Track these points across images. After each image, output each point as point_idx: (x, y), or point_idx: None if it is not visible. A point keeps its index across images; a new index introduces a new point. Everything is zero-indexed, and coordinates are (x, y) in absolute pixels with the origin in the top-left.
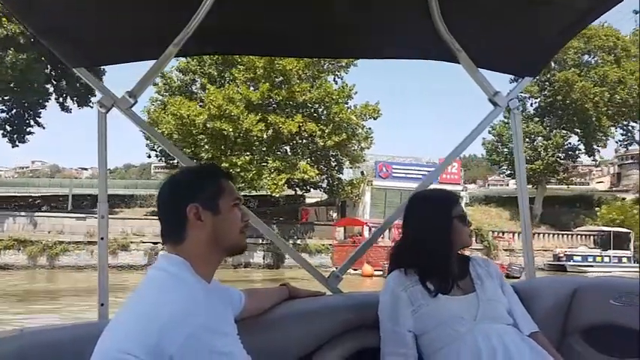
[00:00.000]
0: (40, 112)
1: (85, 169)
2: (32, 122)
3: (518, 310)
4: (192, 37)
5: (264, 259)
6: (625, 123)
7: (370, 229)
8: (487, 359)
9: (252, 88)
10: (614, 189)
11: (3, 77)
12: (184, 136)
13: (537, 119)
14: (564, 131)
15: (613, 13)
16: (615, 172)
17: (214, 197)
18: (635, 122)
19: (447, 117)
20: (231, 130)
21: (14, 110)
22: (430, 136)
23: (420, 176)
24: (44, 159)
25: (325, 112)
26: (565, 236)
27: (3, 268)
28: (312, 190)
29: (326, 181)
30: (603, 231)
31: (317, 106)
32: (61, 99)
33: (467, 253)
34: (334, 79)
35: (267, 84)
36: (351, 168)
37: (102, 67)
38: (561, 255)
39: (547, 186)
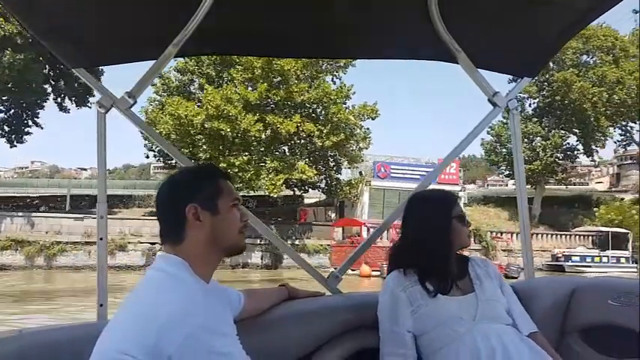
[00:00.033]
0: (38, 113)
1: (85, 169)
2: (30, 122)
3: (517, 310)
4: (191, 38)
5: (262, 259)
6: (624, 123)
7: (369, 230)
8: (486, 359)
9: (250, 89)
10: (613, 189)
11: (0, 77)
12: (182, 136)
13: (536, 119)
14: (563, 131)
15: (612, 13)
16: (614, 172)
17: (213, 197)
18: (634, 122)
19: (445, 117)
20: (229, 130)
21: (12, 110)
22: (429, 137)
23: (419, 177)
24: (44, 159)
25: (323, 112)
26: (563, 236)
27: (0, 268)
28: (310, 190)
29: (324, 181)
30: (602, 231)
31: (315, 106)
32: (59, 99)
33: (465, 253)
34: (332, 79)
35: (265, 84)
36: (349, 168)
37: (101, 67)
38: (560, 255)
39: (546, 186)
